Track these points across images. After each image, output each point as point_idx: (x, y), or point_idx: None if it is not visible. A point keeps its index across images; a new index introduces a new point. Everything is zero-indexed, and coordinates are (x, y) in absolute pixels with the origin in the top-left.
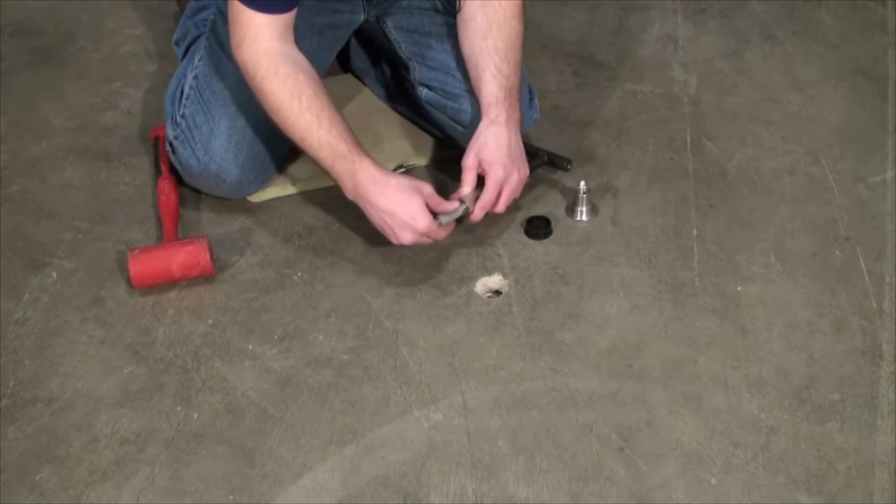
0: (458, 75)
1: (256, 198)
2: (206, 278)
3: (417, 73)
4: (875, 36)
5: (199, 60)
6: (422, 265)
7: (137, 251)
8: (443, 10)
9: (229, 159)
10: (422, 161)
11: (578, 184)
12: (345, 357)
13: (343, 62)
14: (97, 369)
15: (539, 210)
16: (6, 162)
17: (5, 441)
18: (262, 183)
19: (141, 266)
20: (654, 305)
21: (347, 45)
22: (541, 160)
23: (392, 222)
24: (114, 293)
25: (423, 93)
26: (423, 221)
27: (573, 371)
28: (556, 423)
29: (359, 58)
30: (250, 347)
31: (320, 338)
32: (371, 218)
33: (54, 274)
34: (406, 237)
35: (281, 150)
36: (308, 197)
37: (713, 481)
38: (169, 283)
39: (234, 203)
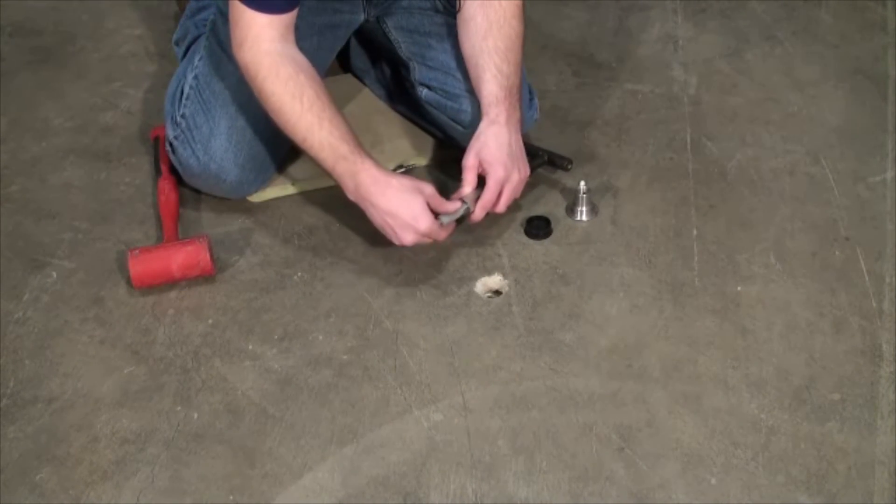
0: (458, 75)
1: (256, 198)
2: (206, 278)
3: (417, 73)
4: (875, 36)
5: (199, 60)
6: (422, 265)
7: (137, 251)
8: (443, 10)
9: (229, 159)
10: (422, 161)
11: (578, 184)
12: (345, 357)
13: (343, 62)
14: (97, 369)
15: (539, 210)
16: (6, 162)
17: (5, 441)
18: (262, 183)
19: (141, 266)
20: (654, 305)
21: (347, 45)
22: (541, 160)
23: (394, 223)
24: (114, 293)
25: (423, 93)
26: (424, 222)
27: (573, 371)
28: (556, 423)
29: (359, 58)
30: (250, 347)
31: (320, 338)
32: (372, 219)
33: (54, 274)
34: (408, 238)
35: (281, 150)
36: (308, 197)
37: (713, 481)
38: (169, 283)
39: (234, 203)
